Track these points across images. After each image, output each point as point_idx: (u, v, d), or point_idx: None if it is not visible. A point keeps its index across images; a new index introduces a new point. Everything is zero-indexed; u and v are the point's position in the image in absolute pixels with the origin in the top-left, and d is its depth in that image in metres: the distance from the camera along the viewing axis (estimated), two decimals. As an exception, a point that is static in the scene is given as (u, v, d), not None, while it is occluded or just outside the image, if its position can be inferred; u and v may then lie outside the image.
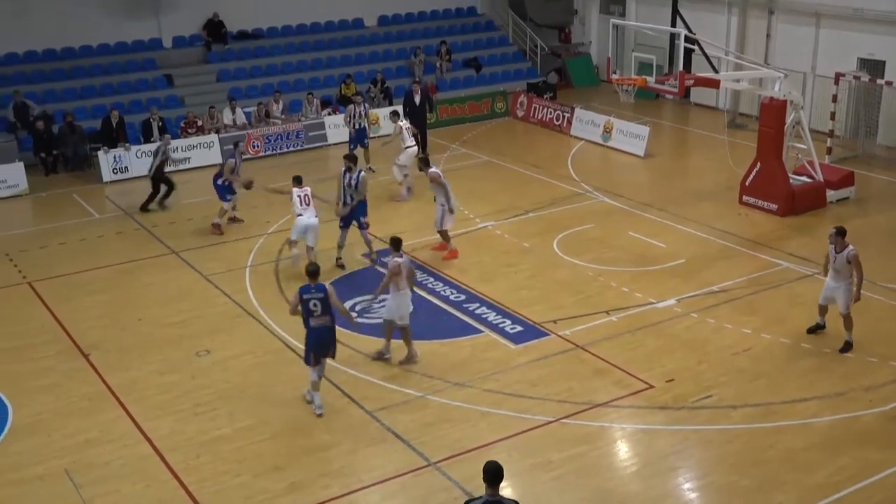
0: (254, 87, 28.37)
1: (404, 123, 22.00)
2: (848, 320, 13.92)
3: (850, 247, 13.74)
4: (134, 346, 14.83)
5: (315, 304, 12.37)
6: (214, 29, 29.24)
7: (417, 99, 24.69)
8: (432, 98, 26.09)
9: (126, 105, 26.27)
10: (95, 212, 21.63)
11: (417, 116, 24.54)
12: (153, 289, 17.08)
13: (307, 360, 12.63)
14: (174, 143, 24.03)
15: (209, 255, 18.56)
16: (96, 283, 17.39)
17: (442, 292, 16.41)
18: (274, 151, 25.86)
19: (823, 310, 14.30)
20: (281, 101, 26.92)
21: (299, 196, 17.24)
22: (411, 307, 13.90)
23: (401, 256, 13.70)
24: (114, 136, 24.30)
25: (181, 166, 23.05)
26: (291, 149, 26.07)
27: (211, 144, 25.21)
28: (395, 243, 13.83)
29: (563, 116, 27.40)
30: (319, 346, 12.53)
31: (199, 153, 25.00)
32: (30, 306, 16.43)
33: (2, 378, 13.76)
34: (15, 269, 18.12)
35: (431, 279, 16.96)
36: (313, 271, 12.62)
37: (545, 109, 28.28)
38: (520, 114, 29.04)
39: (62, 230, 20.48)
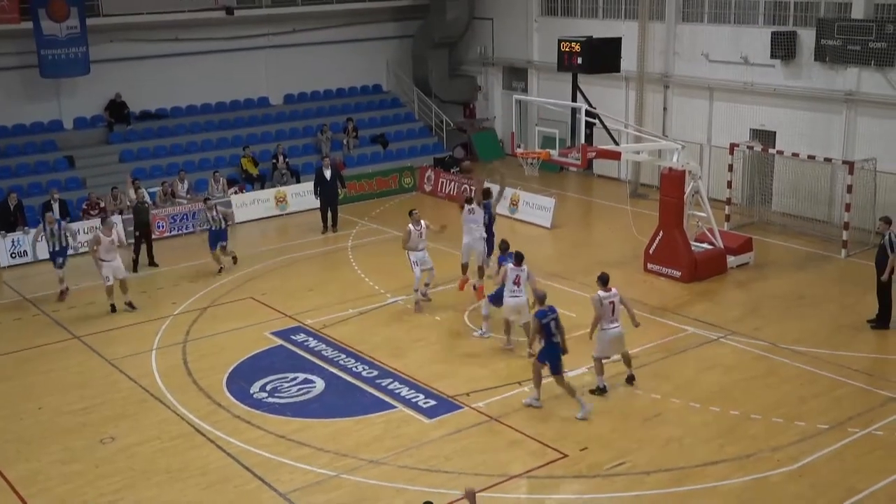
0: (158, 166, 28.05)
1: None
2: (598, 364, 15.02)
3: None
4: (34, 436, 14.25)
5: (549, 324, 14.09)
6: (117, 109, 28.93)
7: (328, 174, 24.89)
8: (341, 174, 26.21)
9: (25, 188, 25.67)
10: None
11: (329, 192, 24.81)
12: (53, 375, 16.51)
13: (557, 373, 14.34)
14: (75, 225, 23.57)
15: (113, 338, 18.07)
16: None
17: (354, 368, 16.26)
18: (180, 231, 25.49)
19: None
20: (186, 181, 26.64)
21: None
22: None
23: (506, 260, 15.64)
24: (12, 219, 23.66)
25: (80, 249, 22.49)
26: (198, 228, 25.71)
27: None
28: (604, 279, 14.86)
29: (470, 190, 27.70)
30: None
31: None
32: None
33: None
34: None
35: (343, 355, 16.80)
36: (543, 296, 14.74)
37: (452, 183, 28.60)
38: (427, 188, 29.31)
39: (-44, 318, 19.77)
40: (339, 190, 25.43)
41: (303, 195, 26.64)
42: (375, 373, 16.03)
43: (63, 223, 21.00)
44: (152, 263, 22.59)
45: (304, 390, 15.49)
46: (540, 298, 14.55)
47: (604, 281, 14.79)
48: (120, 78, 28.82)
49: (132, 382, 15.99)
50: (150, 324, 18.75)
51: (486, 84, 34.76)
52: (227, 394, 15.36)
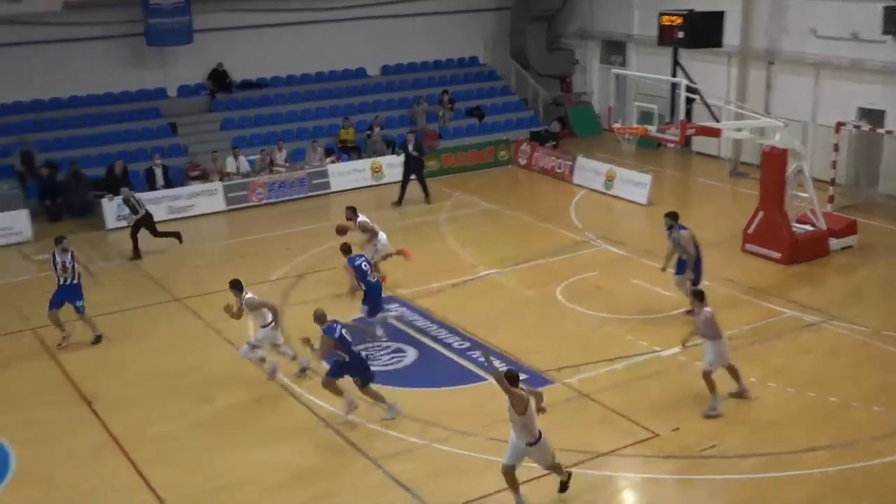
0: (257, 135, 28.54)
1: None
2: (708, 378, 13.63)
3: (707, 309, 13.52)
4: (136, 394, 14.75)
5: (343, 336, 13.38)
6: (219, 79, 29.50)
7: (410, 147, 25.07)
8: (424, 147, 26.15)
9: (130, 153, 26.40)
10: (98, 259, 21.65)
11: (412, 165, 24.99)
12: (155, 336, 17.03)
13: (367, 384, 13.55)
14: (178, 190, 24.36)
15: (213, 302, 18.50)
16: (101, 327, 17.30)
17: (445, 339, 16.37)
18: (277, 199, 25.95)
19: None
20: (284, 150, 27.10)
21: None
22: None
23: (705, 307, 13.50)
24: (118, 184, 24.41)
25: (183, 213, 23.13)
26: (294, 196, 26.17)
27: (215, 192, 25.34)
28: (699, 295, 13.69)
29: (566, 165, 27.54)
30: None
31: (202, 200, 25.16)
32: (34, 354, 16.37)
33: (5, 427, 13.66)
34: (20, 317, 18.07)
35: (434, 326, 16.93)
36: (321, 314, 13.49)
37: (547, 158, 28.43)
38: (522, 162, 29.19)
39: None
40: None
41: (398, 166, 26.81)
42: (467, 344, 16.12)
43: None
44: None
45: (396, 359, 15.68)
46: (320, 317, 13.47)
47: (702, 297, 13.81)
48: (222, 47, 29.36)
49: (230, 345, 16.38)
50: (248, 289, 19.10)
51: (584, 58, 34.35)
52: (323, 360, 15.61)
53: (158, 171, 25.15)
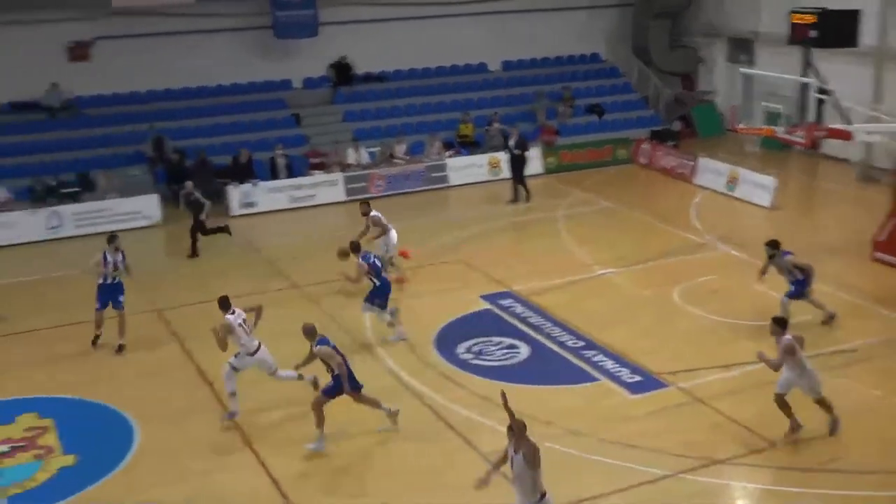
0: (378, 127, 28.91)
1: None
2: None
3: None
4: (254, 380, 15.10)
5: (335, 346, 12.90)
6: (342, 71, 29.99)
7: (511, 143, 24.96)
8: (527, 144, 25.89)
9: (255, 142, 27.09)
10: (222, 244, 22.28)
11: (514, 162, 24.95)
12: (272, 322, 17.39)
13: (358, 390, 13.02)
14: (300, 180, 24.96)
15: (330, 290, 18.86)
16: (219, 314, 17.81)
17: (559, 337, 16.27)
18: (396, 191, 26.24)
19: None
20: (404, 142, 27.40)
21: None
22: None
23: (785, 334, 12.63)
24: (242, 172, 25.14)
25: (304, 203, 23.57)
26: (412, 189, 26.41)
27: (335, 182, 25.81)
28: (781, 322, 12.81)
29: (687, 165, 27.02)
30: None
31: (323, 190, 25.67)
32: (159, 334, 16.98)
33: (130, 402, 14.20)
34: (145, 298, 18.77)
35: (549, 324, 16.84)
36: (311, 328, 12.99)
37: (668, 157, 27.95)
38: (642, 161, 28.78)
39: (188, 262, 21.22)
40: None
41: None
42: (581, 343, 15.99)
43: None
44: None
45: (509, 355, 15.68)
46: (310, 331, 13.02)
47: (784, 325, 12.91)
48: (346, 40, 29.83)
49: (345, 335, 16.63)
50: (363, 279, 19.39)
51: (710, 55, 33.60)
52: (435, 352, 15.76)
53: (281, 161, 25.76)
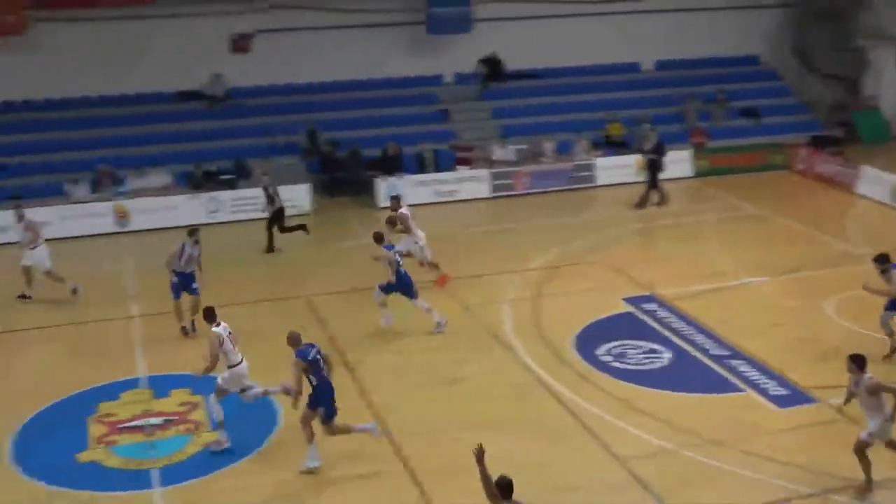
0: (525, 125, 28.86)
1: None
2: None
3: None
4: (392, 367, 15.37)
5: (317, 359, 12.28)
6: (493, 67, 30.09)
7: (647, 146, 24.47)
8: (664, 148, 25.21)
9: (404, 136, 27.47)
10: (368, 235, 22.63)
11: (648, 165, 24.57)
12: (415, 314, 17.66)
13: (334, 413, 12.27)
14: (446, 175, 25.19)
15: (468, 285, 18.97)
16: (363, 302, 18.15)
17: (703, 345, 15.89)
18: (541, 189, 26.16)
19: None
20: (552, 141, 27.28)
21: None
22: None
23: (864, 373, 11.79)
24: (391, 165, 25.59)
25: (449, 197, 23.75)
26: (558, 188, 26.28)
27: (481, 178, 25.96)
28: (859, 361, 11.83)
29: (848, 173, 25.88)
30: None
31: (468, 186, 25.85)
32: (305, 318, 17.43)
33: (276, 384, 14.60)
34: (294, 283, 19.35)
35: (693, 330, 16.47)
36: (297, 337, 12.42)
37: (827, 164, 26.84)
38: (800, 167, 27.72)
39: (337, 250, 21.75)
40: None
41: (669, 163, 26.14)
42: (725, 352, 15.56)
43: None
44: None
45: (651, 359, 15.41)
46: (295, 340, 12.45)
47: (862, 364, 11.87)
48: (498, 37, 29.88)
49: (483, 329, 16.72)
50: (504, 276, 19.46)
51: (877, 59, 32.06)
52: (574, 351, 15.65)
53: (429, 156, 26.08)
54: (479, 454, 8.93)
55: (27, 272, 18.61)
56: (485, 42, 29.79)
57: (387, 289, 16.64)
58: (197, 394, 14.29)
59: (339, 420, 12.38)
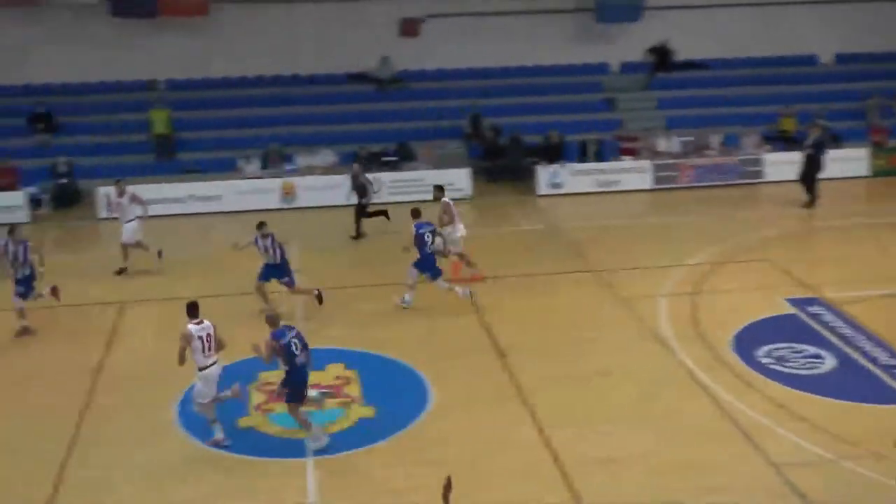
0: (692, 116, 28.15)
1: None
2: None
3: None
4: (544, 354, 15.31)
5: (295, 345, 12.25)
6: (661, 56, 29.47)
7: (808, 141, 23.50)
8: (825, 145, 23.90)
9: (567, 124, 27.27)
10: (526, 222, 22.75)
11: (807, 161, 23.51)
12: (570, 302, 17.57)
13: (298, 399, 12.39)
14: (608, 165, 24.89)
15: (626, 277, 18.69)
16: (518, 288, 18.23)
17: (871, 352, 15.11)
18: (706, 183, 25.49)
19: None
20: (719, 133, 26.52)
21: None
22: None
23: None
24: (553, 153, 25.49)
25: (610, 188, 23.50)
26: (724, 182, 25.52)
27: (643, 169, 25.51)
28: None
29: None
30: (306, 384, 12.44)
31: (630, 177, 25.46)
32: (457, 301, 17.53)
33: (427, 364, 14.85)
34: (448, 266, 19.51)
35: (861, 336, 15.68)
36: (275, 318, 12.46)
37: None
38: None
39: (496, 235, 21.84)
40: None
41: (840, 161, 25.03)
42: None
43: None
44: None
45: (813, 364, 14.78)
46: (274, 321, 12.47)
47: None
48: (668, 26, 29.28)
49: (639, 322, 16.45)
50: (662, 270, 19.09)
51: None
52: (732, 352, 15.19)
53: (592, 145, 25.82)
54: (446, 489, 8.54)
55: (139, 245, 19.46)
56: (654, 31, 29.25)
57: (419, 265, 16.95)
58: (351, 369, 14.65)
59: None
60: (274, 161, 25.69)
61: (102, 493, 11.53)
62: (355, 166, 22.42)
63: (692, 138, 26.53)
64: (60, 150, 25.81)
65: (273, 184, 24.82)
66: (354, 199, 21.90)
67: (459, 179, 24.95)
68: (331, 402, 13.73)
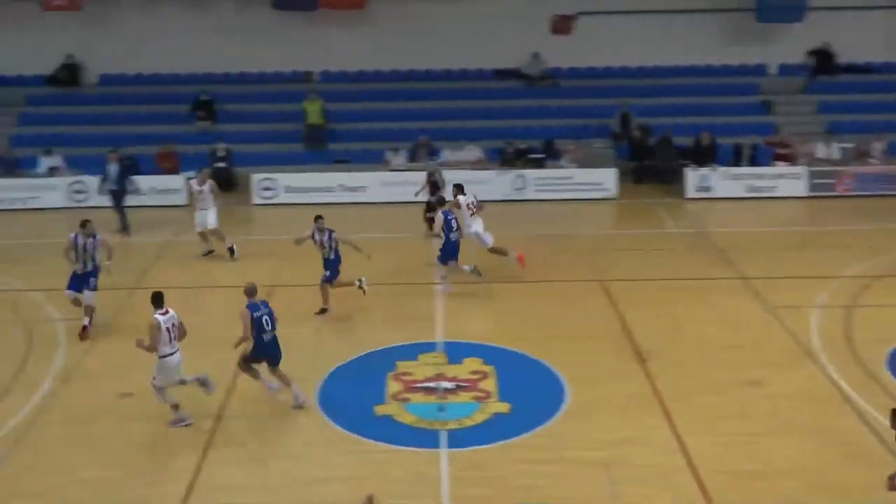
0: (854, 122, 26.91)
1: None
2: None
3: None
4: (686, 361, 14.95)
5: (266, 321, 12.94)
6: (823, 59, 28.34)
7: None
8: None
9: (719, 126, 26.52)
10: (673, 225, 22.26)
11: None
12: (715, 309, 17.10)
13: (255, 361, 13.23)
14: (762, 170, 24.13)
15: (778, 287, 18.06)
16: (662, 292, 17.87)
17: None
18: (866, 192, 24.35)
19: None
20: (883, 140, 25.30)
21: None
22: None
23: None
24: (703, 155, 24.87)
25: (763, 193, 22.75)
26: (886, 192, 24.33)
27: (799, 176, 24.61)
28: None
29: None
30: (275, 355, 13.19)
31: (785, 183, 24.62)
32: (598, 303, 17.41)
33: (564, 364, 14.73)
34: (591, 266, 19.34)
35: None
36: (253, 289, 13.11)
37: None
38: None
39: (640, 237, 21.47)
40: None
41: None
42: None
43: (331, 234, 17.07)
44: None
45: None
46: (251, 292, 13.16)
47: None
48: (831, 27, 28.11)
49: (788, 334, 15.86)
50: (815, 281, 18.33)
51: None
52: (886, 370, 14.46)
53: (746, 149, 25.09)
54: None
55: (218, 233, 20.13)
56: (815, 32, 28.13)
57: (444, 258, 17.61)
58: (488, 364, 14.68)
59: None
60: (421, 154, 25.98)
61: (245, 466, 11.93)
62: (432, 164, 22.35)
63: (853, 145, 25.38)
64: (219, 137, 26.83)
65: (418, 177, 25.07)
66: (424, 197, 21.95)
67: (606, 179, 24.66)
68: (466, 396, 13.79)
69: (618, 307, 17.09)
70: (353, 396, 13.73)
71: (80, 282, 15.98)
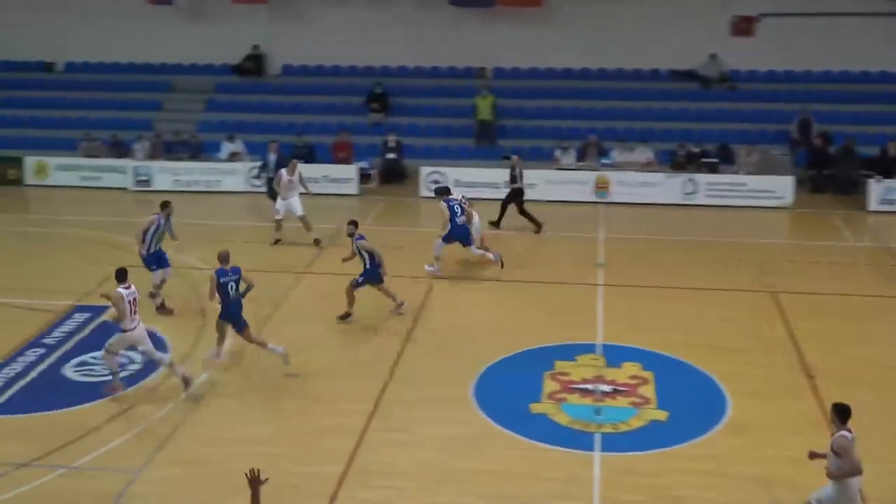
0: None
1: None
2: None
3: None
4: (856, 381, 14.22)
5: (231, 286, 13.83)
6: None
7: None
8: None
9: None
10: (853, 238, 21.26)
11: None
12: (891, 329, 16.23)
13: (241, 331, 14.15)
14: None
15: None
16: (835, 307, 17.11)
17: None
18: None
19: None
20: None
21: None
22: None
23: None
24: (889, 166, 23.61)
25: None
26: None
27: None
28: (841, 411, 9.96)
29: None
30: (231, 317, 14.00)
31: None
32: (768, 315, 16.81)
33: (727, 374, 14.29)
34: (761, 276, 18.70)
35: None
36: (225, 255, 13.97)
37: None
38: None
39: (815, 249, 20.60)
40: None
41: None
42: None
43: None
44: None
45: None
46: (222, 258, 14.03)
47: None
48: None
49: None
50: None
51: None
52: None
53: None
54: (255, 479, 8.02)
55: (305, 220, 20.64)
56: None
57: (446, 238, 18.33)
58: (648, 370, 14.43)
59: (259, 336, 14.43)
60: (590, 154, 25.76)
61: (399, 454, 12.16)
62: (514, 158, 22.18)
63: None
64: (391, 129, 27.39)
65: (587, 176, 24.92)
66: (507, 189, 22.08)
67: (782, 187, 23.78)
68: (623, 401, 13.60)
69: (788, 320, 16.47)
70: (509, 393, 13.77)
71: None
